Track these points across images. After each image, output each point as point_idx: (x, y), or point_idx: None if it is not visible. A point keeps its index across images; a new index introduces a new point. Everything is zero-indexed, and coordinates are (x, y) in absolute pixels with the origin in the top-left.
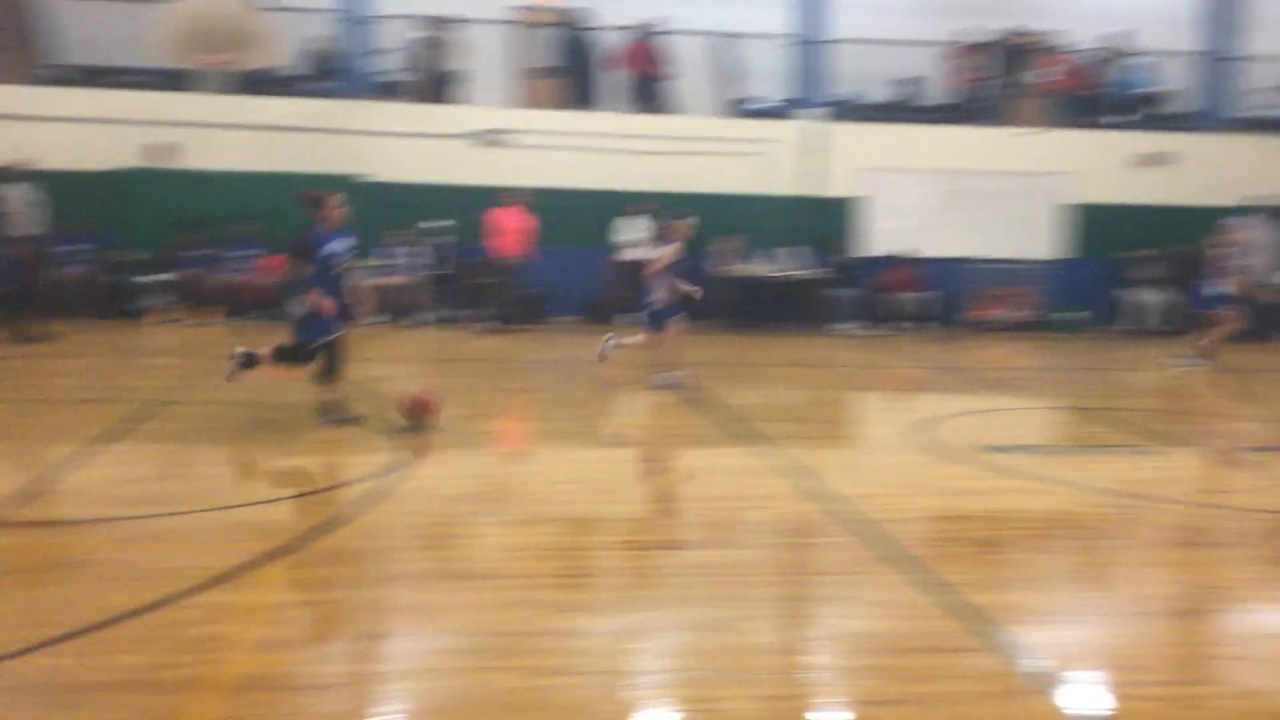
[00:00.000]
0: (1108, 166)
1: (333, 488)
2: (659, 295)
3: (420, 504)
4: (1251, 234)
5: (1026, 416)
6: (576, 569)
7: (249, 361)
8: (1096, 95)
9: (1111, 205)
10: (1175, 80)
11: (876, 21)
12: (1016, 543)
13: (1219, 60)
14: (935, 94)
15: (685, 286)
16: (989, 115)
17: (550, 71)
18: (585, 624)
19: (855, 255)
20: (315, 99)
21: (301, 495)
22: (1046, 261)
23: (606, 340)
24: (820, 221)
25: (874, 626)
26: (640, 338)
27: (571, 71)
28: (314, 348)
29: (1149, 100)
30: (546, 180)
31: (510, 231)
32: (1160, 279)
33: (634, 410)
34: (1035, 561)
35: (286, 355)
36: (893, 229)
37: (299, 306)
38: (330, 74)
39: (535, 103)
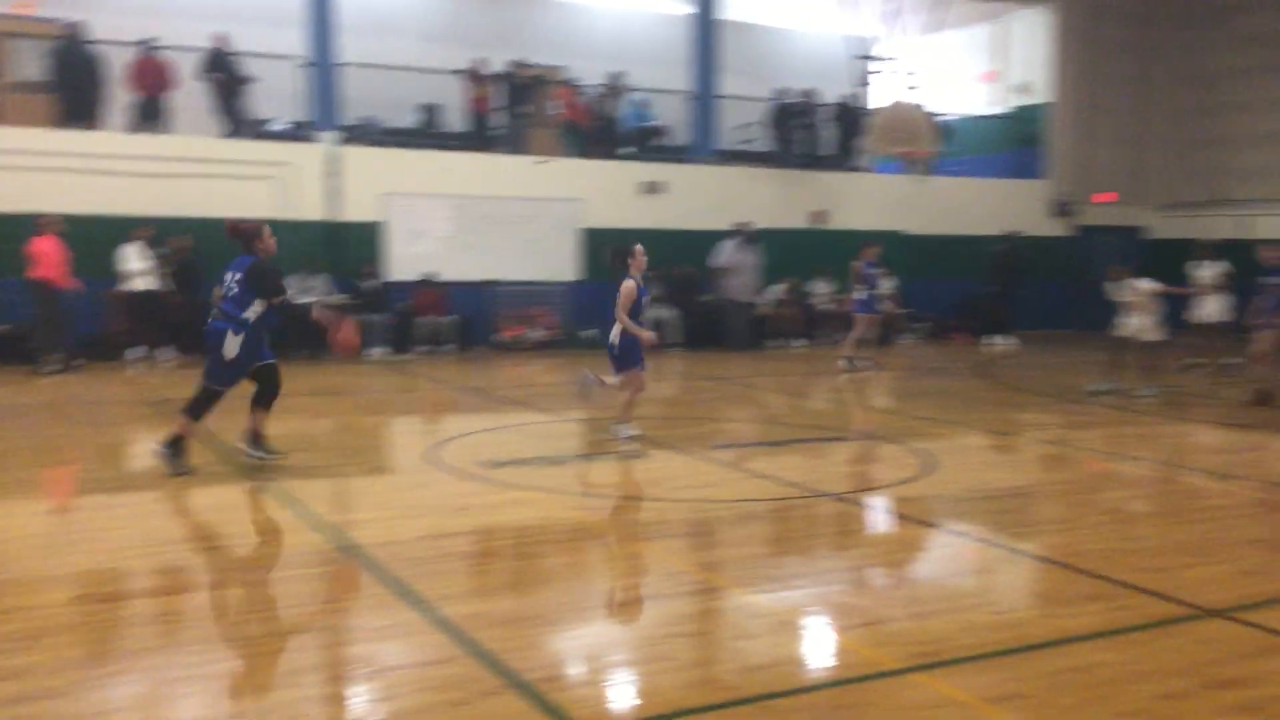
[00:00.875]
0: (615, 193)
1: None
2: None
3: None
4: (734, 256)
5: (535, 430)
6: (23, 631)
7: None
8: (603, 127)
9: (618, 229)
10: (670, 116)
11: (394, 46)
12: (499, 553)
13: (704, 98)
14: (454, 121)
15: None
16: (505, 143)
17: (40, 87)
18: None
19: (383, 280)
20: None
21: None
22: (566, 283)
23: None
24: (344, 247)
25: (360, 650)
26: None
27: (65, 87)
28: None
29: (649, 133)
30: (35, 204)
31: (52, 261)
32: (661, 297)
33: (129, 452)
34: (516, 569)
35: None
36: (415, 253)
37: None
38: None
39: (22, 120)
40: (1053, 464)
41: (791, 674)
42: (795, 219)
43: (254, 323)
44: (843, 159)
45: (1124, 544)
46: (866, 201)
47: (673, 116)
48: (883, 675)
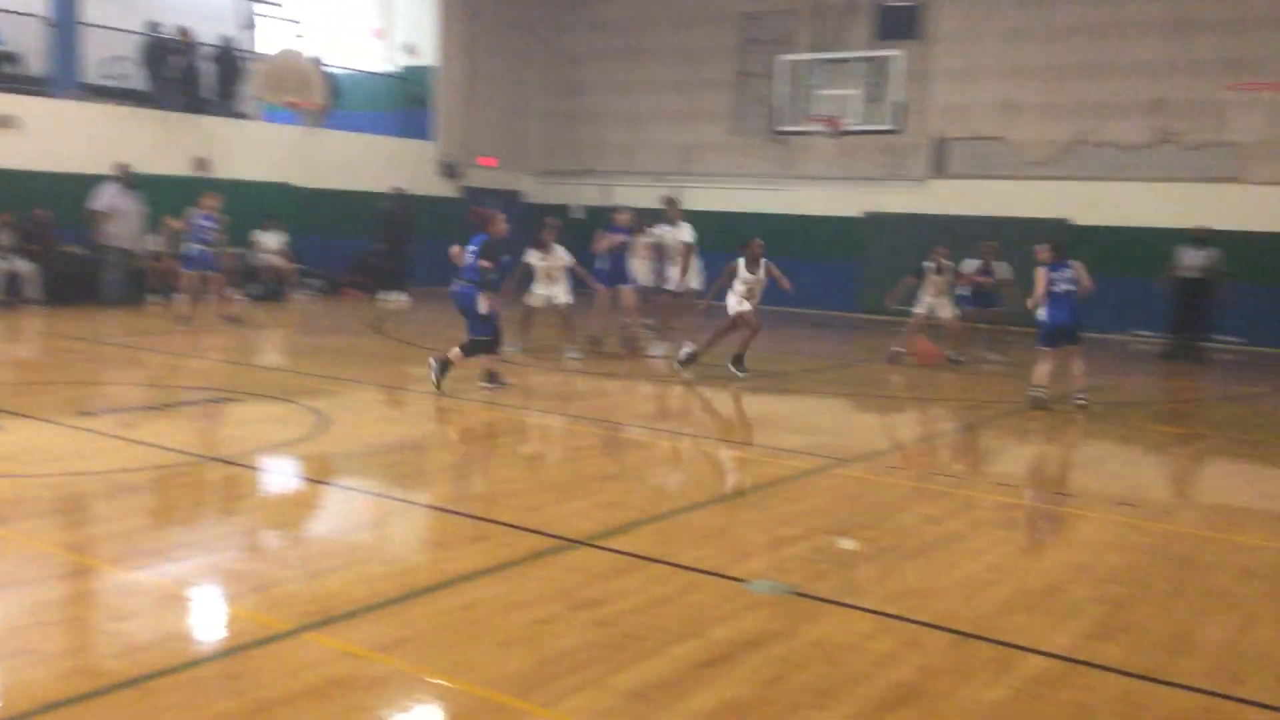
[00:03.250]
0: None
1: None
2: None
3: None
4: (114, 201)
5: None
6: None
7: None
8: None
9: None
10: (23, 42)
11: None
12: None
13: (65, 24)
14: None
15: None
16: None
17: None
18: None
19: None
20: None
21: None
22: None
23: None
24: None
25: None
26: None
27: None
28: None
29: None
30: None
31: None
32: (12, 247)
33: None
34: None
35: None
36: None
37: None
38: None
39: None
40: (443, 416)
41: (177, 650)
42: (178, 165)
43: (488, 281)
44: (226, 104)
45: (504, 487)
46: (255, 150)
47: (26, 43)
48: (275, 639)
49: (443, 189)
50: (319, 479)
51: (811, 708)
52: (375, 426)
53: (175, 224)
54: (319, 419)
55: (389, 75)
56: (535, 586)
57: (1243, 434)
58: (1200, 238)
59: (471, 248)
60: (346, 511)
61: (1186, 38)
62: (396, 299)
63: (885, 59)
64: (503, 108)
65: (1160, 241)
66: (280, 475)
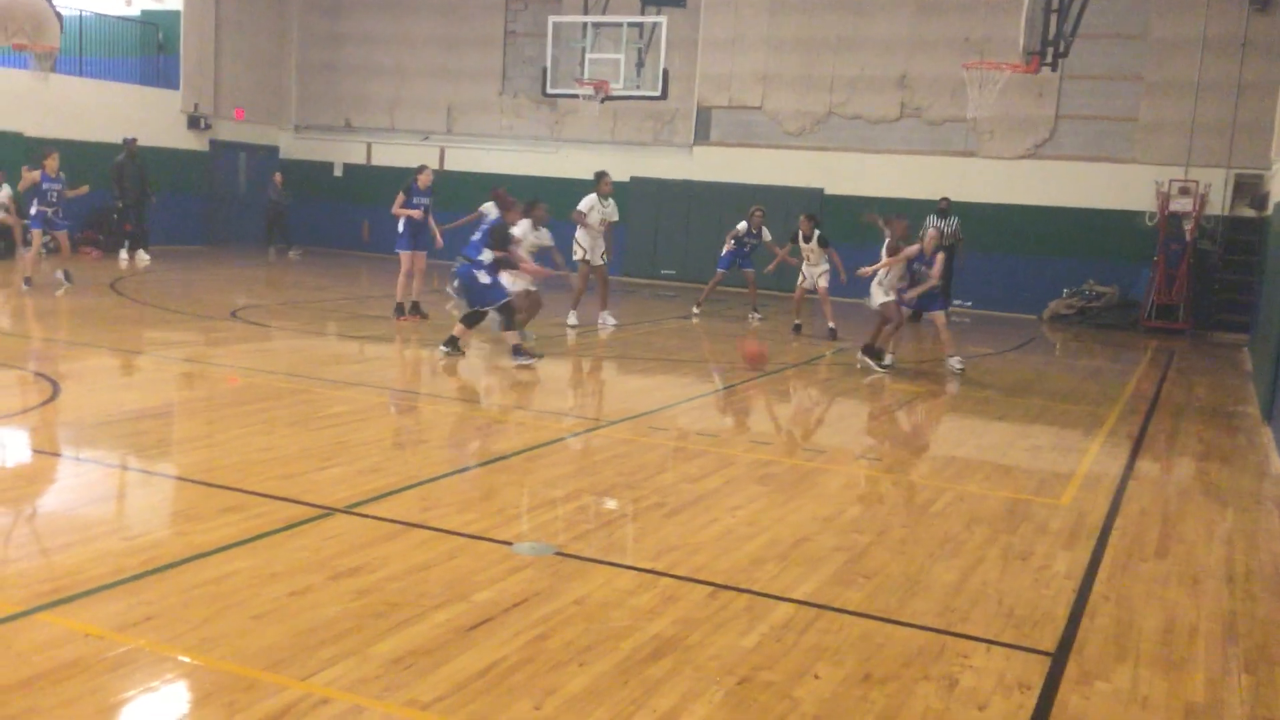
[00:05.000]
0: None
1: None
2: None
3: None
4: None
5: None
6: None
7: None
8: None
9: None
10: None
11: None
12: None
13: None
14: None
15: None
16: None
17: None
18: None
19: None
20: None
21: None
22: None
23: None
24: None
25: None
26: None
27: None
28: None
29: None
30: None
31: None
32: None
33: None
34: None
35: None
36: None
37: None
38: None
39: None
40: (190, 382)
41: None
42: None
43: (488, 264)
44: None
45: (259, 455)
46: None
47: None
48: (4, 620)
49: (190, 142)
50: (50, 451)
51: (574, 664)
52: (113, 394)
53: None
54: (51, 386)
55: (130, 19)
56: (291, 557)
57: (971, 392)
58: (943, 209)
59: (482, 228)
60: (82, 485)
61: (929, 18)
62: (138, 257)
63: (653, 25)
64: (256, 58)
65: (907, 211)
66: (6, 448)
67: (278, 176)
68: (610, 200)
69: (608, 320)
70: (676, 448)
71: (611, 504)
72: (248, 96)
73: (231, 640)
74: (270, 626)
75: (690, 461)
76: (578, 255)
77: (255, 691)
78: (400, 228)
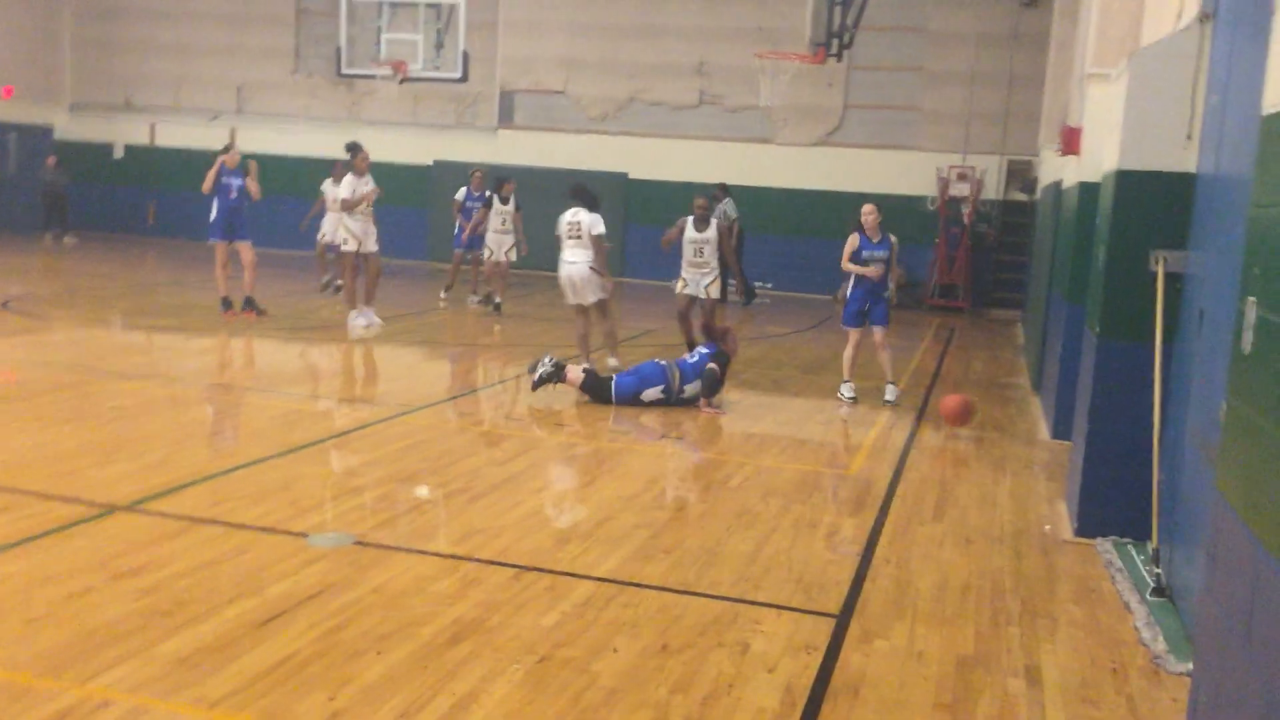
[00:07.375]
0: None
1: None
2: None
3: None
4: None
5: None
6: None
7: None
8: None
9: None
10: None
11: None
12: None
13: None
14: None
15: None
16: None
17: None
18: None
19: None
20: None
21: None
22: None
23: None
24: None
25: None
26: None
27: None
28: None
29: None
30: None
31: None
32: None
33: None
34: None
35: None
36: None
37: None
38: None
39: None
40: None
41: None
42: None
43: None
44: None
45: (34, 452)
46: None
47: None
48: None
49: None
50: None
51: (371, 653)
52: None
53: None
54: None
55: None
56: (69, 558)
57: (769, 370)
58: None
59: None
60: None
61: (723, 6)
62: None
63: (450, 6)
64: (25, 32)
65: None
66: None
67: (51, 159)
68: (369, 177)
69: (373, 319)
70: (482, 433)
71: (417, 491)
72: (17, 73)
73: (3, 647)
74: (45, 631)
75: (495, 446)
76: (349, 246)
77: (30, 698)
78: (212, 214)
